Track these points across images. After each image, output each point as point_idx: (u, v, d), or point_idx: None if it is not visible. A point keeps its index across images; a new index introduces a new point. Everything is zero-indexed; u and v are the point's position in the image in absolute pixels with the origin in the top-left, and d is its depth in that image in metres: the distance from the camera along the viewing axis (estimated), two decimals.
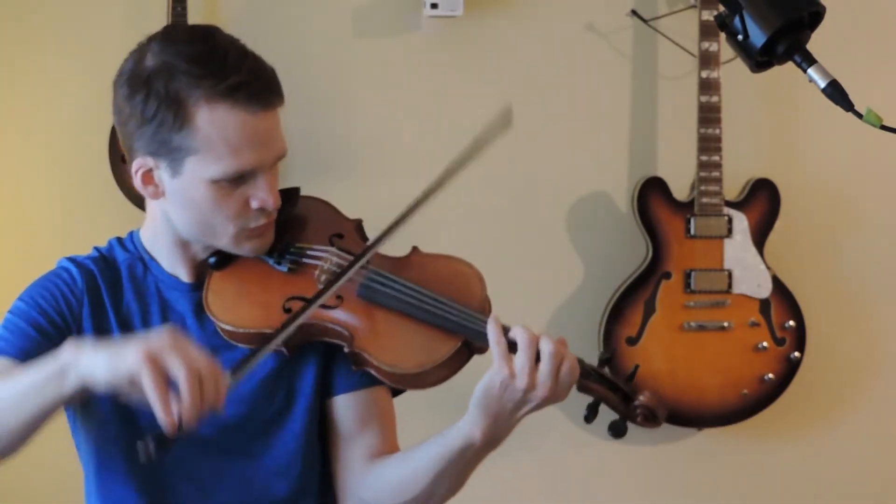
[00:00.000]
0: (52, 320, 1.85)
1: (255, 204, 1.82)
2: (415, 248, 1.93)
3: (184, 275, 1.91)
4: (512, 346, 1.74)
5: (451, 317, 1.80)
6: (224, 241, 1.85)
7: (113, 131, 3.26)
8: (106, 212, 3.25)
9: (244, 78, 1.78)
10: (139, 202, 3.26)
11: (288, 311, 1.82)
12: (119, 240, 1.96)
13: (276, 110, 1.84)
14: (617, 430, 1.83)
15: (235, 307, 1.85)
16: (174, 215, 1.85)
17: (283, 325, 1.77)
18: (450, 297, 1.82)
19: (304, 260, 1.89)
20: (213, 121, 1.77)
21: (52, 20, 3.32)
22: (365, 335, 1.81)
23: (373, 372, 1.81)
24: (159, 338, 1.60)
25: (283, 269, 1.88)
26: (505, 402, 1.74)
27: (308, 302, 1.79)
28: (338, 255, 1.89)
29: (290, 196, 1.94)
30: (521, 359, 1.72)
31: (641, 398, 1.82)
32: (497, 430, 1.78)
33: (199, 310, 1.89)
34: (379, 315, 1.83)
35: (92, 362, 1.60)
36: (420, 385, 1.82)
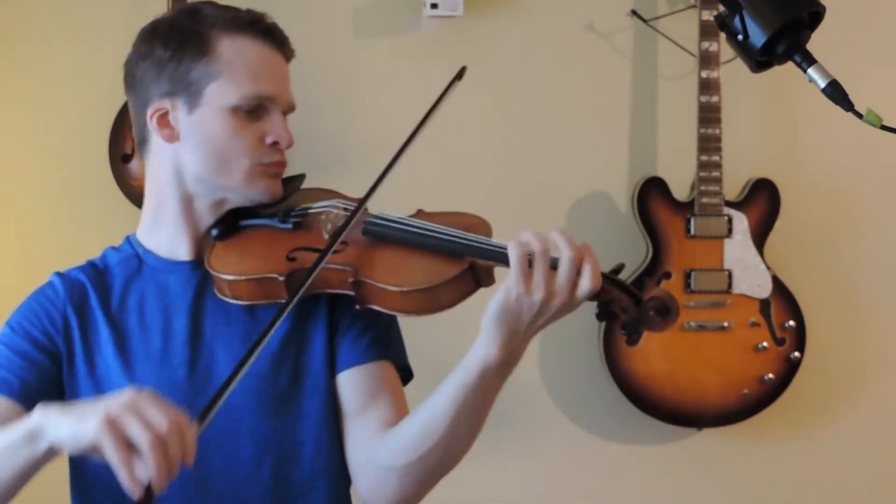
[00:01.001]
0: (39, 344, 1.87)
1: (269, 139, 1.88)
2: (420, 210, 1.95)
3: (184, 251, 1.91)
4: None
5: (456, 240, 1.80)
6: (237, 179, 1.87)
7: (113, 131, 3.29)
8: (106, 212, 3.25)
9: (264, 18, 1.91)
10: (139, 202, 3.27)
11: (292, 259, 1.83)
12: (113, 247, 1.98)
13: (288, 62, 1.94)
14: (630, 328, 1.77)
15: (238, 261, 1.86)
16: (188, 158, 1.88)
17: (289, 299, 1.74)
18: (456, 228, 1.82)
19: (310, 212, 1.92)
20: (234, 48, 1.87)
21: (52, 20, 3.32)
22: (370, 266, 1.80)
23: (378, 307, 1.79)
24: (119, 401, 1.56)
25: (289, 226, 1.90)
26: (522, 314, 1.69)
27: (312, 266, 1.77)
28: (343, 203, 1.92)
29: (294, 180, 1.96)
30: (539, 271, 1.68)
31: (653, 293, 1.77)
32: (513, 345, 1.71)
33: (200, 288, 1.89)
34: (384, 249, 1.84)
35: (57, 429, 1.59)
36: (429, 306, 1.78)
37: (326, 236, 1.86)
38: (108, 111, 3.24)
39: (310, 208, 1.93)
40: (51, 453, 1.61)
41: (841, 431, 3.61)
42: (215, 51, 1.86)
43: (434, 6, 3.33)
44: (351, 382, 1.89)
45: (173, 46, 1.86)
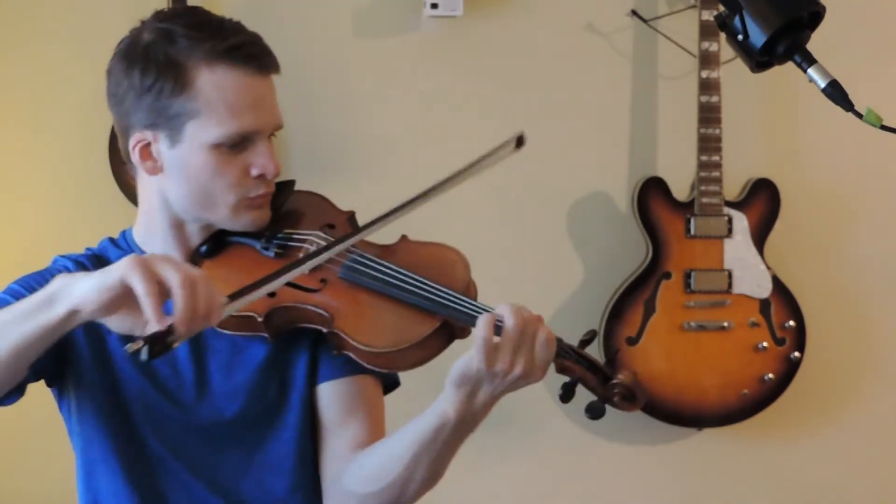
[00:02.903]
0: None
1: (255, 171, 1.83)
2: (403, 237, 1.93)
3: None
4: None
5: (431, 297, 1.78)
6: (223, 213, 1.84)
7: (113, 131, 3.28)
8: (106, 212, 3.25)
9: (243, 39, 1.82)
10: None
11: (272, 295, 1.80)
12: (111, 239, 1.96)
13: (273, 78, 1.86)
14: (594, 412, 1.78)
15: (223, 290, 1.85)
16: (172, 190, 1.85)
17: (279, 271, 1.73)
18: (432, 278, 1.80)
19: (291, 244, 1.89)
20: (213, 82, 1.79)
21: (52, 19, 3.32)
22: (345, 316, 1.79)
23: (352, 355, 1.79)
24: (149, 254, 1.56)
25: (271, 254, 1.88)
26: (482, 383, 1.70)
27: (299, 261, 1.76)
28: (324, 238, 1.89)
29: (284, 187, 1.94)
30: (502, 350, 1.68)
31: (619, 377, 1.78)
32: (472, 409, 1.73)
33: None
34: (361, 297, 1.82)
35: (81, 285, 1.55)
36: (397, 365, 1.79)
37: (307, 271, 1.83)
38: (108, 111, 3.23)
39: (293, 235, 1.90)
40: (69, 318, 1.57)
41: (841, 431, 3.61)
42: (193, 86, 1.78)
43: (434, 6, 3.33)
44: (330, 395, 1.89)
45: (151, 77, 1.80)
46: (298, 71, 3.26)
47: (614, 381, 1.77)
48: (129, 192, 3.26)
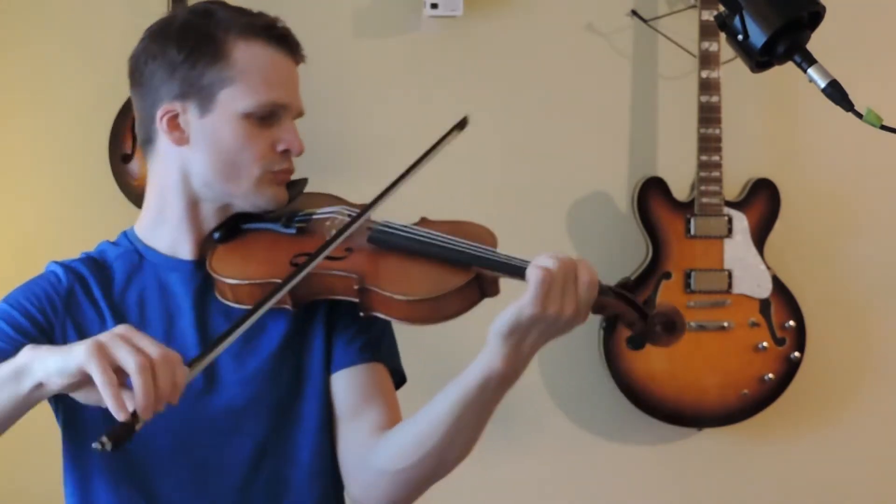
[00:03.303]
0: (34, 320, 1.84)
1: (281, 146, 1.87)
2: (423, 218, 1.95)
3: (186, 251, 1.90)
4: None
5: (463, 250, 1.79)
6: (245, 186, 1.86)
7: (113, 131, 3.29)
8: (106, 212, 3.25)
9: (277, 23, 1.91)
10: (139, 202, 3.26)
11: (295, 265, 1.81)
12: (109, 242, 1.96)
13: (298, 67, 1.93)
14: (636, 343, 1.81)
15: (241, 265, 1.85)
16: (196, 161, 1.86)
17: (287, 278, 1.74)
18: (463, 238, 1.82)
19: (314, 217, 1.91)
20: (249, 54, 1.85)
21: (52, 20, 3.32)
22: (376, 274, 1.79)
23: (382, 314, 1.78)
24: (111, 332, 1.55)
25: (292, 230, 1.89)
26: (532, 330, 1.70)
27: (314, 254, 1.77)
28: (348, 210, 1.91)
29: (297, 183, 1.95)
30: (556, 292, 1.68)
31: (659, 308, 1.80)
32: (518, 360, 1.72)
33: (202, 289, 1.88)
34: (390, 257, 1.83)
35: (45, 362, 1.57)
36: (434, 316, 1.78)
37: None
38: (108, 111, 3.24)
39: (314, 213, 1.92)
40: (37, 391, 1.59)
41: (841, 431, 3.61)
42: (230, 56, 1.84)
43: (434, 6, 3.33)
44: (345, 384, 1.88)
45: (187, 49, 1.84)
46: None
47: (654, 313, 1.80)
48: (130, 192, 3.26)
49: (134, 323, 1.86)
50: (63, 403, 1.85)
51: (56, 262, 1.92)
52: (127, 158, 3.28)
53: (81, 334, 1.84)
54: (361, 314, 1.80)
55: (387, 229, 1.85)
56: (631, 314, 1.80)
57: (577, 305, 1.70)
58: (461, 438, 1.78)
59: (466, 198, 3.41)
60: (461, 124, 1.99)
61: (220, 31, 1.85)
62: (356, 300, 1.80)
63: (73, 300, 1.87)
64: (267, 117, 1.86)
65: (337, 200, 1.99)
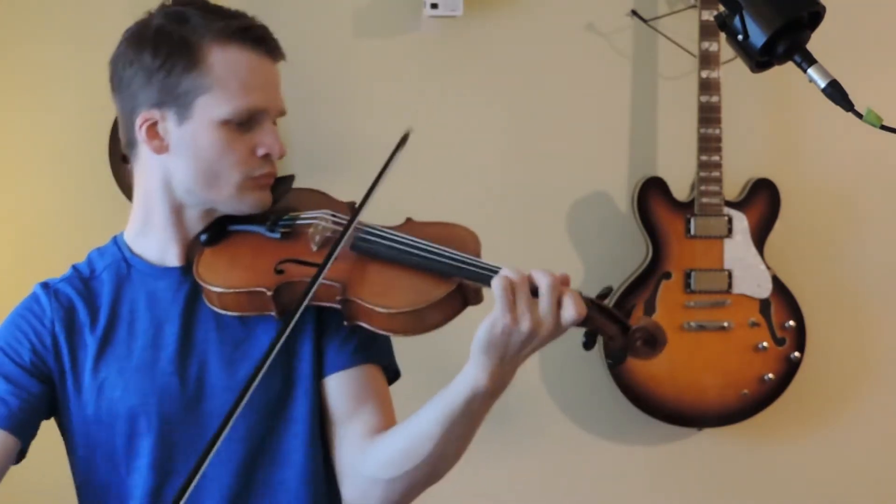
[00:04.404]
0: (29, 367, 1.85)
1: (261, 151, 1.85)
2: (409, 219, 1.94)
3: (173, 257, 1.89)
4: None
5: (445, 260, 1.78)
6: (227, 193, 1.85)
7: (113, 131, 3.28)
8: (106, 212, 3.25)
9: (253, 24, 1.87)
10: None
11: (280, 272, 1.81)
12: (98, 250, 1.96)
13: (278, 65, 1.89)
14: (616, 358, 1.79)
15: (226, 271, 1.84)
16: (177, 169, 1.85)
17: (299, 295, 1.76)
18: (445, 245, 1.81)
19: (298, 222, 1.89)
20: (225, 59, 1.82)
21: (52, 20, 3.32)
22: (359, 283, 1.79)
23: (365, 325, 1.79)
24: None
25: (277, 235, 1.88)
26: (510, 343, 1.71)
27: (321, 265, 1.77)
28: (333, 215, 1.89)
29: (284, 181, 1.94)
30: (521, 299, 1.69)
31: (640, 323, 1.78)
32: (502, 372, 1.73)
33: (191, 295, 1.87)
34: (373, 266, 1.82)
35: None
36: (416, 327, 1.78)
37: (315, 248, 1.84)
38: (109, 111, 3.19)
39: (297, 217, 1.91)
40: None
41: (841, 431, 3.61)
42: (205, 62, 1.81)
43: (434, 6, 3.33)
44: (338, 387, 1.88)
45: (162, 56, 1.82)
46: (298, 71, 3.25)
47: (635, 327, 1.78)
48: (129, 192, 3.25)
49: (122, 336, 1.87)
50: (62, 420, 1.87)
51: (41, 286, 1.91)
52: (127, 158, 3.26)
53: (75, 362, 1.85)
54: (345, 322, 1.81)
55: (370, 237, 1.84)
56: (611, 328, 1.78)
57: (556, 320, 1.70)
58: (451, 448, 1.79)
59: (466, 198, 3.41)
60: (403, 140, 1.97)
61: (195, 36, 1.82)
62: (339, 307, 1.80)
63: (58, 328, 1.87)
64: (245, 123, 1.84)
65: (323, 198, 1.98)
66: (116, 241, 1.95)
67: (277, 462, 1.86)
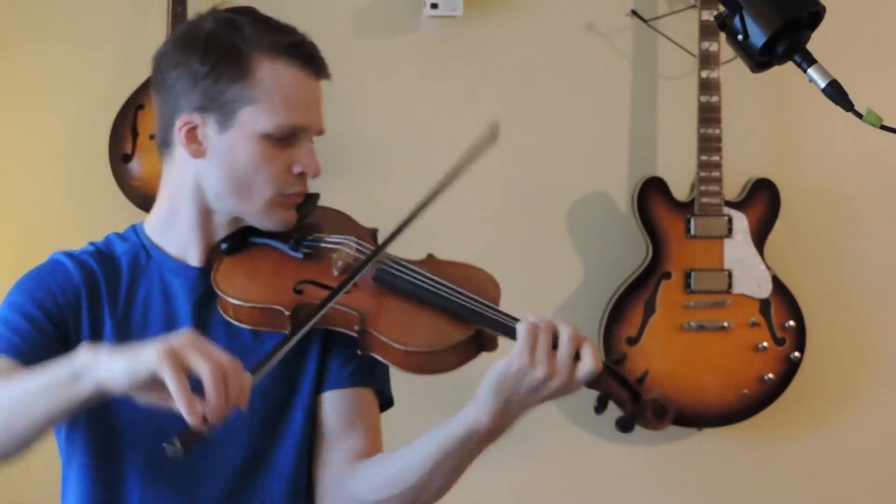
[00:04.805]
0: (50, 314, 1.82)
1: (297, 168, 1.85)
2: (430, 255, 1.94)
3: (194, 257, 1.89)
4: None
5: (466, 305, 1.79)
6: (256, 206, 1.85)
7: (113, 131, 3.29)
8: (106, 212, 3.25)
9: (304, 40, 1.88)
10: (139, 202, 3.27)
11: (299, 292, 1.81)
12: (117, 234, 1.94)
13: (321, 84, 1.91)
14: (624, 426, 1.81)
15: (245, 284, 1.84)
16: (211, 176, 1.85)
17: (307, 317, 1.75)
18: (466, 288, 1.82)
19: (322, 245, 1.89)
20: (273, 73, 1.83)
21: (52, 20, 3.32)
22: (378, 316, 1.79)
23: (379, 356, 1.79)
24: (180, 337, 1.57)
25: (299, 255, 1.88)
26: (521, 387, 1.72)
27: (334, 291, 1.77)
28: (357, 243, 1.89)
29: (309, 199, 1.94)
30: (542, 345, 1.70)
31: (652, 394, 1.80)
32: (506, 416, 1.74)
33: (204, 298, 1.87)
34: (393, 300, 1.83)
35: (109, 366, 1.57)
36: (429, 368, 1.79)
37: (336, 273, 1.84)
38: (108, 111, 3.24)
39: (322, 240, 1.90)
40: (97, 393, 1.58)
41: (841, 431, 3.61)
42: (254, 74, 1.81)
43: (434, 6, 3.33)
44: (333, 404, 1.88)
45: (211, 62, 1.82)
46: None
47: (646, 398, 1.80)
48: (130, 192, 3.26)
49: (138, 322, 1.87)
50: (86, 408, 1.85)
51: (63, 253, 1.90)
52: (127, 158, 3.28)
53: (93, 329, 1.84)
54: (359, 352, 1.81)
55: (393, 271, 1.85)
56: (623, 394, 1.80)
57: (567, 360, 1.72)
58: (437, 483, 1.80)
59: (466, 198, 3.41)
60: (493, 135, 1.96)
61: (247, 47, 1.82)
62: (355, 335, 1.80)
63: (83, 295, 1.86)
64: (285, 139, 1.84)
65: (348, 222, 1.97)
66: (136, 230, 1.94)
67: (270, 472, 1.87)
